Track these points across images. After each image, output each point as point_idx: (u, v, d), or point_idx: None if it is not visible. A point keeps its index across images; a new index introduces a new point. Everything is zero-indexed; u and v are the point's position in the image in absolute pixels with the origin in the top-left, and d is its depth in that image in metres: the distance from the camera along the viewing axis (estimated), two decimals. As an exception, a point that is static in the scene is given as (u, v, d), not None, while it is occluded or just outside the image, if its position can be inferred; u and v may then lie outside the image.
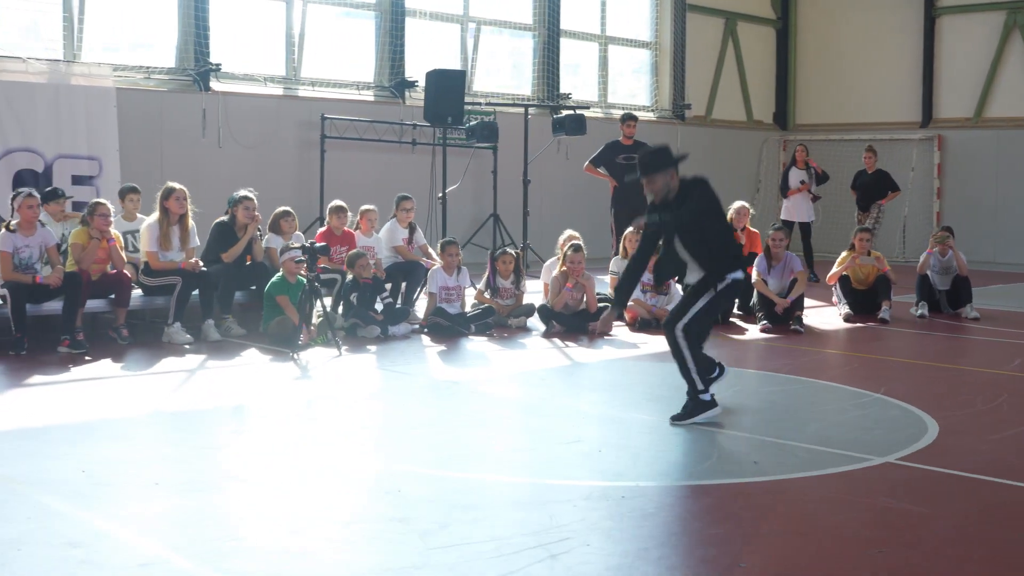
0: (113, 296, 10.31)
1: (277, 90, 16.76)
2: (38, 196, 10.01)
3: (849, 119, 22.46)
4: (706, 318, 7.34)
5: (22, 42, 14.66)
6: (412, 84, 17.66)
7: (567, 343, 10.73)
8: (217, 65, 15.81)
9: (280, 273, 10.54)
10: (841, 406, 8.15)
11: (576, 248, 11.57)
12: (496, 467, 6.31)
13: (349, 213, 12.00)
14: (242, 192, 11.27)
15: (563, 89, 19.74)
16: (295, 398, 8.20)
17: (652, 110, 21.52)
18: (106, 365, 9.23)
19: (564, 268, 11.53)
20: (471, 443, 6.85)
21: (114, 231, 10.41)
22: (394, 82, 17.63)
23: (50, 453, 6.30)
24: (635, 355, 10.28)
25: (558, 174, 19.18)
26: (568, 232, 12.47)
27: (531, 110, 17.98)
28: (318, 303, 10.18)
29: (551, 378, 9.12)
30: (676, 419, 7.21)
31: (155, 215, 10.71)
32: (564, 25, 19.72)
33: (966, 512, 5.44)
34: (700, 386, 7.22)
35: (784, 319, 11.74)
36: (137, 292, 10.70)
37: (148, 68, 15.49)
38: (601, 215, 16.55)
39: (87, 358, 9.49)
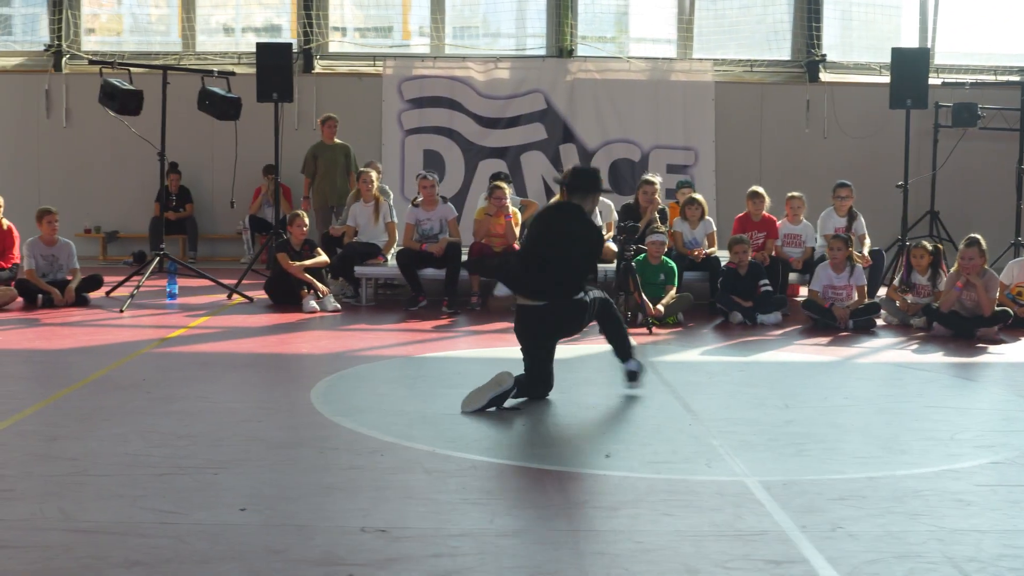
0: (510, 266, 11.45)
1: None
2: (431, 178, 11.50)
3: None
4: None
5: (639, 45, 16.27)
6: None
7: (930, 345, 9.38)
8: (823, 56, 15.67)
9: (643, 255, 10.74)
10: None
11: (970, 243, 9.79)
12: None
13: (767, 198, 11.49)
14: (646, 176, 11.59)
15: None
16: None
17: None
18: (445, 326, 10.28)
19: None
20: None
21: (512, 208, 11.49)
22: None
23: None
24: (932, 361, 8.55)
25: None
26: None
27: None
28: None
29: (743, 375, 8.18)
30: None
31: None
32: None
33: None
34: None
35: None
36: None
37: (751, 61, 15.93)
38: None
39: (446, 317, 10.57)
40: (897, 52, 11.58)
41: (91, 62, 11.91)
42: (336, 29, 16.45)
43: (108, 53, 15.21)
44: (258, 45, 11.80)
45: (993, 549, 4.41)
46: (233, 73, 11.72)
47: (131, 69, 11.02)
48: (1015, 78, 15.52)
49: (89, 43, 16.03)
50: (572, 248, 6.82)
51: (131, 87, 10.73)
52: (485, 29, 16.77)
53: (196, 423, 6.20)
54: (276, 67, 11.48)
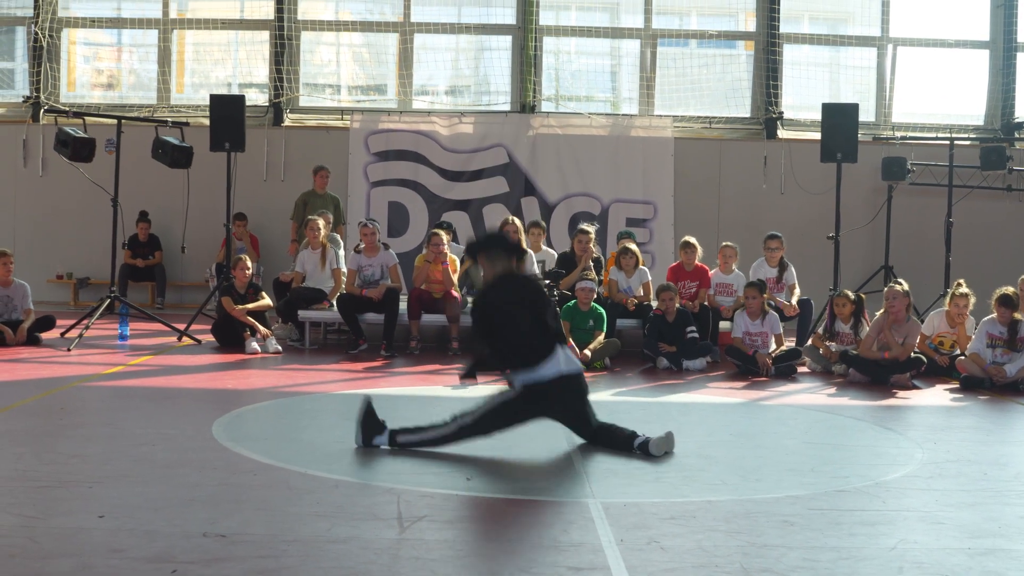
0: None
1: (851, 136, 16.29)
2: (372, 225, 11.91)
3: None
4: (489, 422, 6.59)
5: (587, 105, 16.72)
6: (1021, 126, 15.89)
7: (843, 390, 9.65)
8: (781, 113, 16.11)
9: (575, 300, 11.10)
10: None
11: (894, 286, 10.18)
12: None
13: (699, 248, 11.88)
14: (581, 226, 11.98)
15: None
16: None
17: None
18: (377, 367, 10.68)
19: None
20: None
21: (451, 256, 11.89)
22: (1003, 123, 16.03)
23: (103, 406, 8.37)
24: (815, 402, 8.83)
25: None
26: (961, 280, 10.90)
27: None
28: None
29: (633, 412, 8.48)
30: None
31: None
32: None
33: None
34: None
35: None
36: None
37: (711, 118, 16.38)
38: None
39: (382, 360, 10.93)
40: (827, 107, 11.98)
41: (47, 111, 12.41)
42: (330, 87, 17.02)
43: (90, 105, 15.78)
44: (212, 97, 12.28)
45: (792, 562, 4.69)
46: (187, 124, 12.22)
47: (85, 119, 11.48)
48: (967, 136, 15.89)
49: (71, 96, 16.57)
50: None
51: (83, 135, 11.20)
52: (451, 84, 17.26)
53: (93, 446, 6.56)
54: (229, 118, 11.96)
